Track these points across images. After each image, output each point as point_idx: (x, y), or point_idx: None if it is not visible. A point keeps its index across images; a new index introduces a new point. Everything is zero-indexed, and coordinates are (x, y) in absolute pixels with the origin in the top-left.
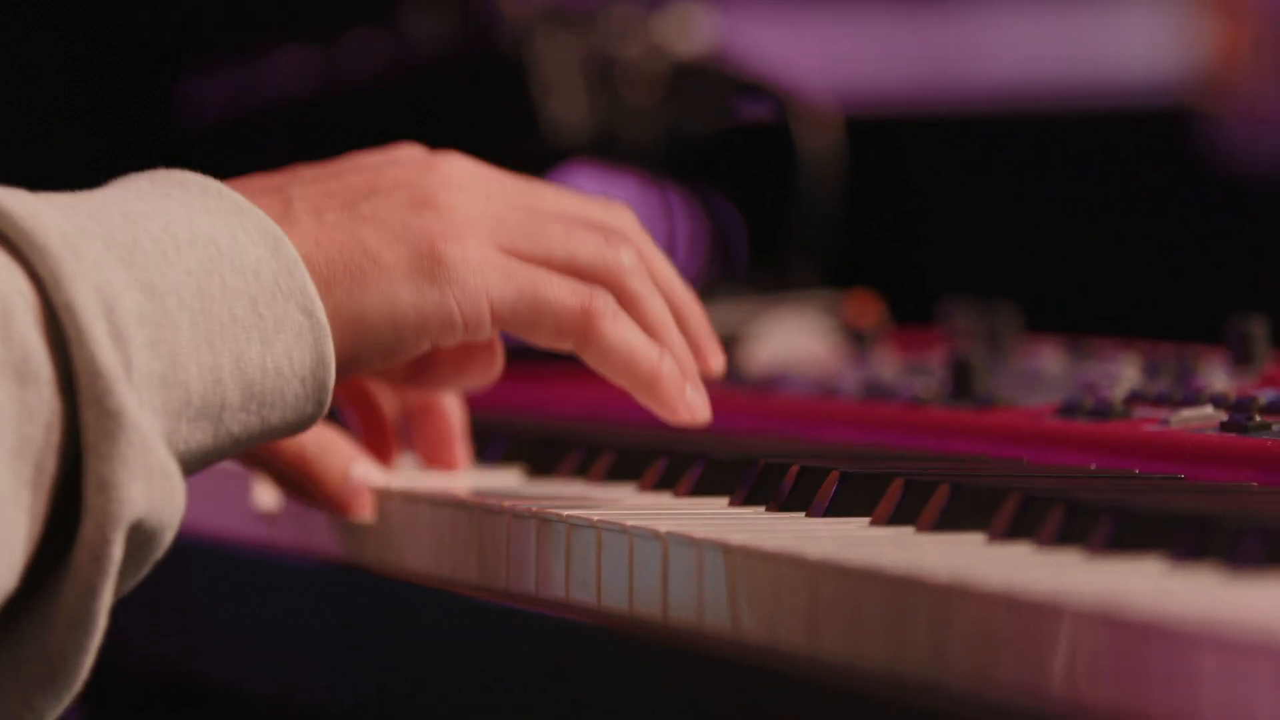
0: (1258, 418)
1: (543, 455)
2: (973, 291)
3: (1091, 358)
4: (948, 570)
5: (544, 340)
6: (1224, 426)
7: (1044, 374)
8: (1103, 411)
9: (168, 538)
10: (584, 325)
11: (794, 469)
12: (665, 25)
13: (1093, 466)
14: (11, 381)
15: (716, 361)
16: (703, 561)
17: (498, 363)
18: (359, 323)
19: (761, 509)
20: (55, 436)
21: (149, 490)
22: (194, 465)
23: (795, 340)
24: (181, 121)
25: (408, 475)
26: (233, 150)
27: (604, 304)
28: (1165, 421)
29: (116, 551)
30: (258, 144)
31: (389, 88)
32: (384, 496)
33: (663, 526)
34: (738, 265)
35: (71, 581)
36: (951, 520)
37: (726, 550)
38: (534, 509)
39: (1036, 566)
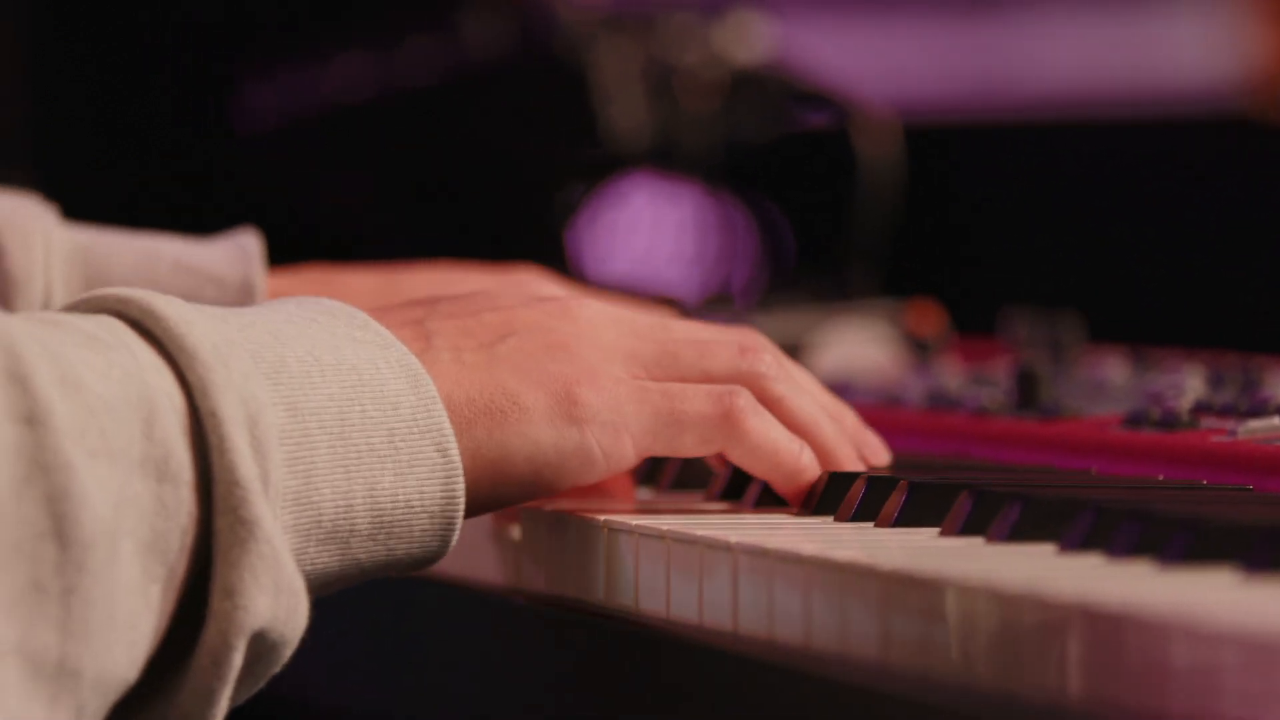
0: None
1: None
2: (1033, 301)
3: (1155, 368)
4: (1021, 581)
5: (689, 452)
6: None
7: (1108, 384)
8: (1169, 422)
9: (286, 654)
10: (727, 428)
11: (861, 479)
12: (724, 33)
13: (1160, 477)
14: (151, 477)
15: (877, 459)
16: (773, 572)
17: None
18: (501, 462)
19: (829, 519)
20: (188, 539)
21: (275, 603)
22: (317, 589)
23: (857, 349)
24: (239, 128)
25: None
26: (290, 157)
27: (744, 401)
28: (1232, 433)
29: (237, 659)
30: (315, 150)
31: (446, 95)
32: None
33: (733, 537)
34: (797, 273)
35: (190, 684)
36: (1022, 531)
37: (798, 561)
38: (602, 517)
39: (1109, 577)
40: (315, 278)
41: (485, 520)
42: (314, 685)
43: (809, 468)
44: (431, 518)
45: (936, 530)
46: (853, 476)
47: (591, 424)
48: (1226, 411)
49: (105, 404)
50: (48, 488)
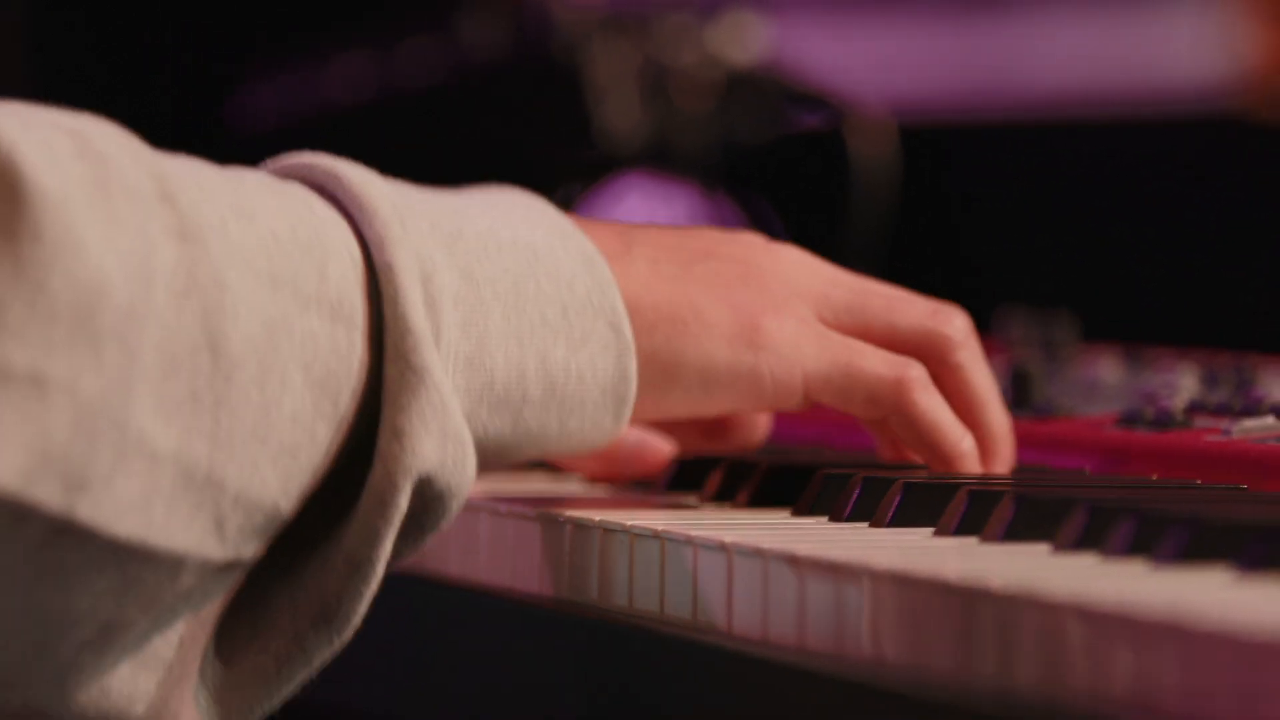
0: None
1: None
2: (1028, 300)
3: (1149, 367)
4: (1016, 580)
5: (857, 409)
6: None
7: (1102, 383)
8: (1164, 422)
9: (454, 506)
10: (896, 394)
11: (857, 479)
12: (719, 34)
13: (1155, 477)
14: (325, 317)
15: (1003, 465)
16: (768, 572)
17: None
18: (673, 369)
19: (825, 519)
20: (357, 383)
21: (442, 449)
22: (490, 454)
23: None
24: (238, 129)
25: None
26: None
27: (918, 374)
28: (1227, 432)
29: (403, 500)
30: (314, 151)
31: (444, 95)
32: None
33: (727, 537)
34: None
35: (356, 525)
36: (1016, 531)
37: (793, 561)
38: (596, 519)
39: (1104, 577)
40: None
41: (483, 521)
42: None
43: (967, 455)
44: (604, 392)
45: (932, 530)
46: (848, 476)
47: (769, 353)
48: (1221, 411)
49: (275, 237)
50: (204, 301)
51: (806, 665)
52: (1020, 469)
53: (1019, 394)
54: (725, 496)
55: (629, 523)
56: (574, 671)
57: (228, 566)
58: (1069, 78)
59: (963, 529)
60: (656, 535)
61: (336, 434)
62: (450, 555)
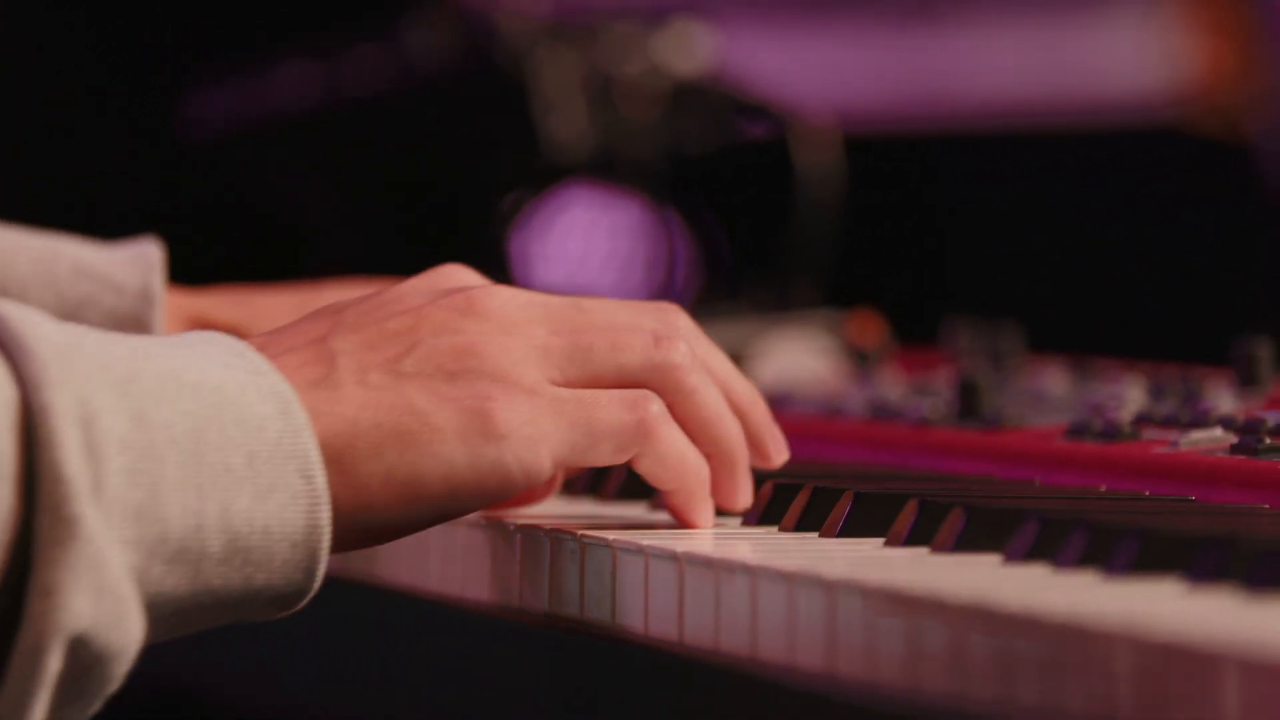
0: (1267, 440)
1: None
2: (974, 310)
3: (1096, 378)
4: (968, 591)
5: (605, 461)
6: (1234, 449)
7: (1049, 394)
8: (1111, 433)
9: (116, 670)
10: (643, 435)
11: (806, 489)
12: (665, 43)
13: (1103, 488)
14: None
15: (779, 455)
16: (719, 582)
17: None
18: (415, 484)
19: (774, 529)
20: (6, 536)
21: (97, 607)
22: (170, 616)
23: (798, 360)
24: (183, 136)
25: None
26: (235, 164)
27: (658, 409)
28: (1175, 444)
29: (53, 663)
30: (260, 158)
31: (390, 103)
32: None
33: (679, 547)
34: (737, 283)
35: (7, 689)
36: (967, 541)
37: (744, 570)
38: (547, 527)
39: (1055, 588)
40: (231, 297)
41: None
42: (281, 696)
43: (705, 485)
44: (293, 546)
45: (882, 540)
46: (797, 486)
47: (508, 440)
48: (1168, 423)
49: None
50: None
51: (759, 677)
52: (969, 479)
53: (966, 405)
54: (631, 494)
55: (580, 531)
56: (527, 679)
57: None
58: (1012, 88)
59: (913, 539)
60: (607, 545)
61: None
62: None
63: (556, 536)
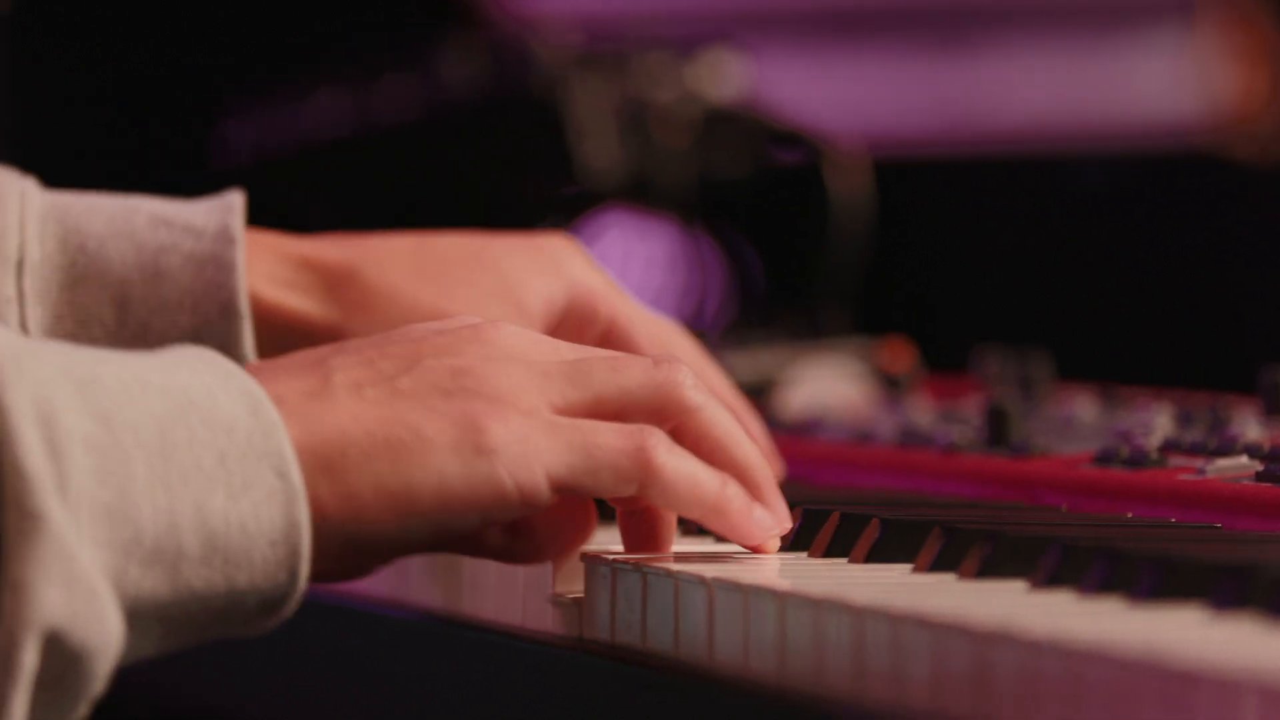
0: None
1: None
2: (1004, 338)
3: (1124, 406)
4: (992, 618)
5: (608, 490)
6: (1260, 476)
7: (1077, 422)
8: (1138, 461)
9: (97, 668)
10: (642, 463)
11: (834, 515)
12: (697, 71)
13: (1130, 515)
14: None
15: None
16: (748, 606)
17: (592, 522)
18: (406, 496)
19: (803, 555)
20: None
21: (69, 601)
22: (155, 621)
23: (829, 386)
24: (217, 164)
25: None
26: (267, 192)
27: (656, 439)
28: (1201, 471)
29: (27, 658)
30: (292, 186)
31: (423, 131)
32: None
33: (709, 573)
34: (769, 310)
35: None
36: (993, 568)
37: (774, 595)
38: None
39: (1079, 615)
40: (342, 240)
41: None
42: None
43: (734, 499)
44: (273, 545)
45: (910, 567)
46: (826, 512)
47: (501, 455)
48: (1195, 450)
49: None
50: None
51: (787, 699)
52: (996, 506)
53: (995, 432)
54: (705, 530)
55: (610, 558)
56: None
57: None
58: (1044, 114)
59: (939, 565)
60: (637, 568)
61: None
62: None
63: (589, 562)
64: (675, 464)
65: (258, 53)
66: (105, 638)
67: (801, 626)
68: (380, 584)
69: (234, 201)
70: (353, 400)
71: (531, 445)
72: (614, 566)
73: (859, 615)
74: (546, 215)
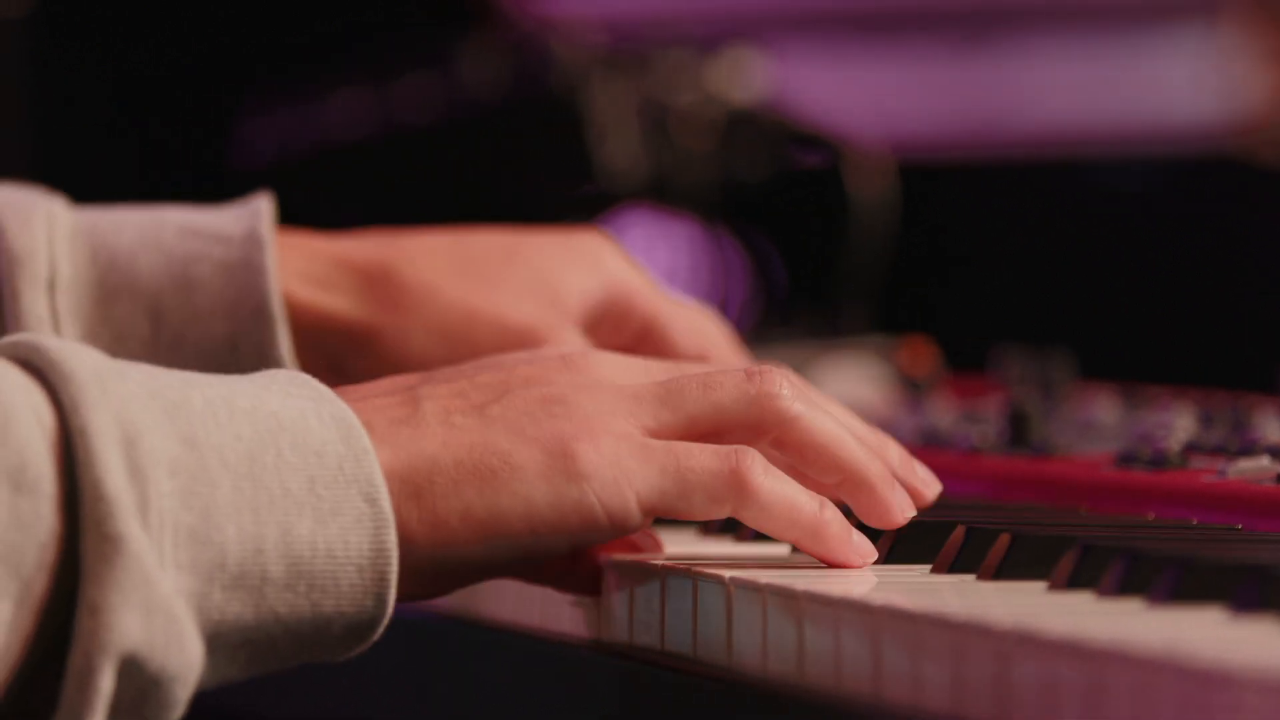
0: None
1: None
2: (1025, 339)
3: (1145, 406)
4: (1012, 618)
5: (700, 513)
6: None
7: (1098, 423)
8: (1160, 461)
9: (177, 694)
10: (737, 486)
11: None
12: (719, 72)
13: (1151, 516)
14: (4, 486)
15: (930, 491)
16: (767, 607)
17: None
18: (494, 523)
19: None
20: (49, 556)
21: (147, 625)
22: (237, 647)
23: (850, 387)
24: (238, 165)
25: None
26: (288, 192)
27: (751, 460)
28: (1222, 472)
29: (104, 683)
30: (313, 187)
31: (444, 132)
32: None
33: (726, 574)
34: (790, 310)
35: (60, 712)
36: (1013, 569)
37: (791, 596)
38: (661, 561)
39: (1098, 615)
40: (376, 238)
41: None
42: None
43: (832, 523)
44: (360, 571)
45: (929, 567)
46: (845, 513)
47: (592, 480)
48: (1216, 451)
49: None
50: None
51: (804, 700)
52: (1017, 507)
53: (1016, 433)
54: (728, 530)
55: (696, 568)
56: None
57: None
58: (1066, 116)
59: (958, 566)
60: (657, 571)
61: (27, 615)
62: None
63: (671, 571)
64: (771, 486)
65: (277, 53)
66: (185, 663)
67: (820, 628)
68: None
69: (261, 205)
70: (442, 428)
71: (622, 470)
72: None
73: (878, 616)
74: (567, 216)
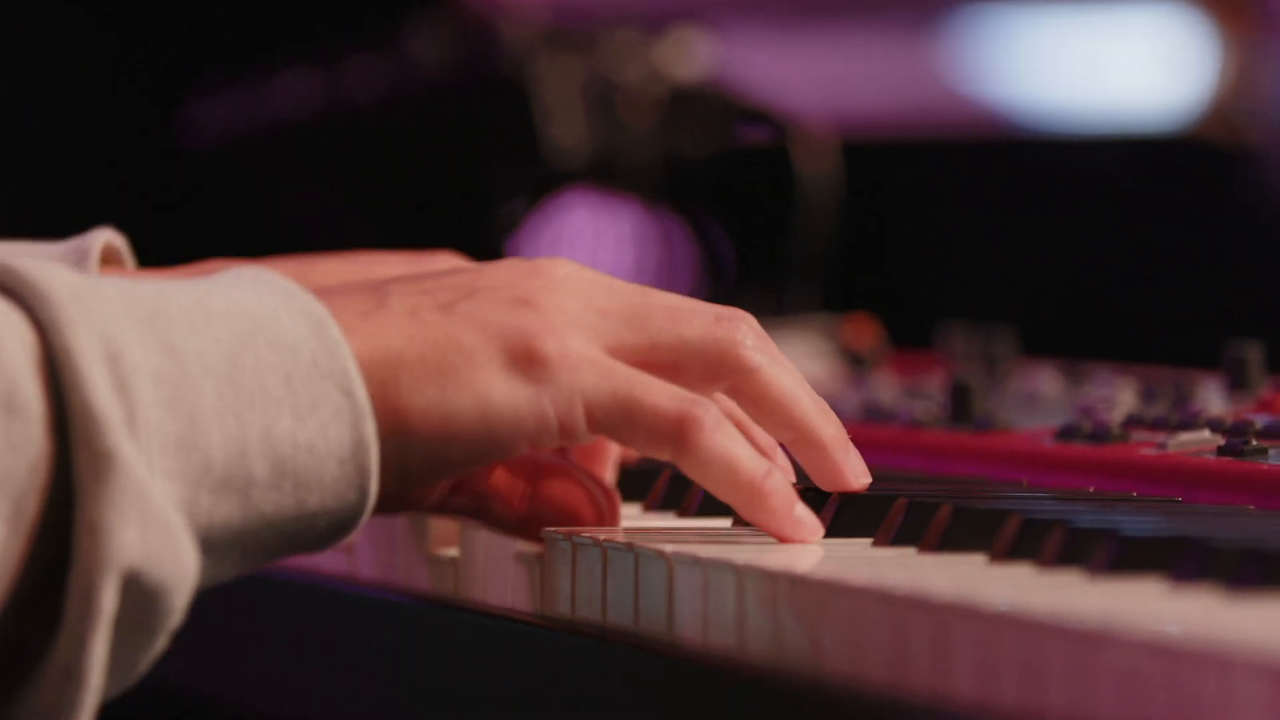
0: (1254, 442)
1: None
2: (970, 315)
3: (1088, 382)
4: (952, 591)
5: (639, 447)
6: (1221, 451)
7: (1041, 397)
8: (1100, 435)
9: (175, 602)
10: (678, 433)
11: (795, 489)
12: (665, 50)
13: (1091, 489)
14: None
15: (856, 479)
16: (707, 580)
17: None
18: (450, 421)
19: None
20: (41, 478)
21: (144, 539)
22: (227, 548)
23: (795, 363)
24: (186, 144)
25: None
26: (236, 172)
27: (704, 412)
28: (1162, 445)
29: (106, 600)
30: (261, 166)
31: (391, 111)
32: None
33: (668, 548)
34: (736, 288)
35: (64, 632)
36: (953, 541)
37: (733, 569)
38: (586, 534)
39: (1038, 587)
40: (285, 262)
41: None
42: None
43: (775, 493)
44: (341, 463)
45: (870, 540)
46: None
47: (548, 383)
48: (1157, 425)
49: None
50: None
51: (745, 674)
52: (958, 480)
53: (959, 408)
54: (670, 506)
55: (618, 539)
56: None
57: None
58: (1011, 95)
59: (900, 539)
60: (598, 544)
61: (20, 536)
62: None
63: (595, 541)
64: (716, 442)
65: (227, 32)
66: (182, 572)
67: (761, 601)
68: (332, 561)
69: (90, 246)
70: (408, 320)
71: (579, 380)
72: (573, 542)
73: (818, 590)
74: (513, 194)
